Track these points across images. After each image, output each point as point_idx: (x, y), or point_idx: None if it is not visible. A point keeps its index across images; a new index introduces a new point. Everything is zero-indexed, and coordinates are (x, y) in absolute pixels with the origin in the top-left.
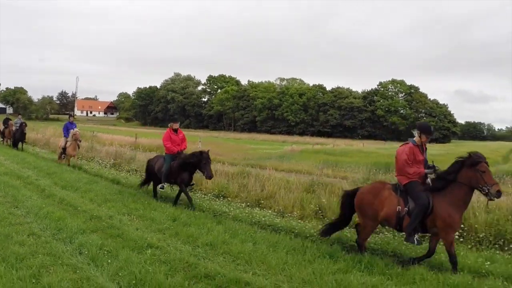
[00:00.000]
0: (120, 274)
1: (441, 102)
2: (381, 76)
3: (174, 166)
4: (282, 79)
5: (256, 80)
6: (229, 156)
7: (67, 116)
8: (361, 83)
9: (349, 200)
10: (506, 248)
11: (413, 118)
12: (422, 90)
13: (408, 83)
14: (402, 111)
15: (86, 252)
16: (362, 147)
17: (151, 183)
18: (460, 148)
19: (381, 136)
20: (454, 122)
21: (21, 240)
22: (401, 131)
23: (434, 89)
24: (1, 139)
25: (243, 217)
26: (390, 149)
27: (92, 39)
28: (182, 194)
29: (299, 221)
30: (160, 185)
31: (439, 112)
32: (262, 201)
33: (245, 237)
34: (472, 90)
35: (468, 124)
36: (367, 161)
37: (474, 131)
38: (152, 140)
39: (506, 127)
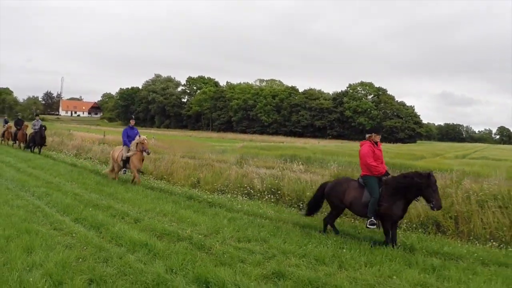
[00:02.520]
0: (51, 203)
1: (420, 104)
2: (362, 77)
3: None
4: (261, 80)
5: (236, 81)
6: (174, 149)
7: (54, 117)
8: (340, 84)
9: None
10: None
11: (379, 119)
12: (404, 92)
13: (387, 85)
14: (371, 112)
15: (35, 194)
16: (301, 144)
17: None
18: (414, 147)
19: (349, 136)
20: (419, 123)
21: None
22: (368, 131)
23: (418, 91)
24: (13, 142)
25: (146, 184)
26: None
27: (78, 39)
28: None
29: (182, 187)
30: (369, 222)
31: (406, 114)
32: (165, 176)
33: (139, 193)
34: (456, 93)
35: (447, 126)
36: (277, 153)
37: (453, 133)
38: (117, 137)
39: (485, 129)
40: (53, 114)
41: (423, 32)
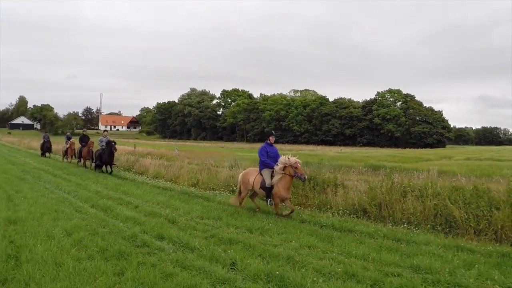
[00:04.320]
0: (76, 196)
1: (458, 108)
2: (396, 84)
3: None
4: (295, 91)
5: (270, 92)
6: (196, 158)
7: (94, 131)
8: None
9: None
10: None
11: (408, 125)
12: (441, 97)
13: (422, 91)
14: (399, 119)
15: (66, 191)
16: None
17: None
18: (432, 151)
19: (379, 143)
20: (447, 128)
21: (40, 189)
22: (397, 138)
23: (456, 95)
24: (77, 160)
25: (155, 184)
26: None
27: (116, 56)
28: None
29: (183, 187)
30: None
31: (434, 119)
32: (173, 178)
33: (147, 190)
34: (496, 95)
35: (484, 129)
36: None
37: (491, 136)
38: (145, 148)
39: None
40: (92, 129)
41: (456, 35)
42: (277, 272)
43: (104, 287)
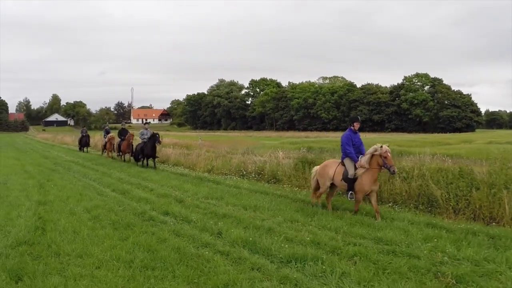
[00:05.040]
0: (101, 183)
1: (493, 91)
2: (428, 68)
3: None
4: (324, 78)
5: (299, 80)
6: (217, 147)
7: (126, 125)
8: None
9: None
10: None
11: (436, 110)
12: (475, 80)
13: (454, 74)
14: (427, 103)
15: (92, 178)
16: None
17: None
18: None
19: (407, 129)
20: (477, 112)
21: (69, 177)
22: (426, 123)
23: (490, 78)
24: (117, 154)
25: (173, 171)
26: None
27: (145, 51)
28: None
29: (198, 172)
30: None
31: (462, 103)
32: (191, 166)
33: (164, 176)
34: None
35: None
36: (297, 146)
37: None
38: (170, 139)
39: None
40: (126, 123)
41: (489, 16)
42: (251, 239)
43: (109, 248)
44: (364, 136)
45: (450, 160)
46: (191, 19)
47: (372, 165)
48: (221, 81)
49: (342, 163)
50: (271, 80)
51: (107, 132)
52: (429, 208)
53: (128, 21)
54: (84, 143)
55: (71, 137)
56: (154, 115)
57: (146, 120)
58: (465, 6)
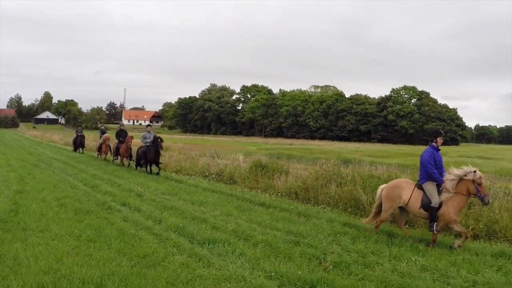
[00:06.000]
0: (76, 178)
1: (486, 106)
2: (420, 81)
3: None
4: (316, 87)
5: (290, 88)
6: (195, 150)
7: (117, 125)
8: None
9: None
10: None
11: (421, 122)
12: (469, 94)
13: (447, 87)
14: (413, 116)
15: (68, 174)
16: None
17: None
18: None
19: (392, 140)
20: (462, 126)
21: (49, 172)
22: (411, 134)
23: (483, 92)
24: (114, 157)
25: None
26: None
27: (139, 52)
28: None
29: (166, 172)
30: None
31: (447, 116)
32: (162, 166)
33: (135, 174)
34: None
35: (508, 128)
36: (268, 152)
37: None
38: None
39: None
40: (116, 123)
41: (482, 31)
42: (181, 225)
43: (66, 227)
44: (345, 145)
45: (386, 168)
46: (188, 23)
47: (459, 191)
48: (213, 85)
49: (419, 187)
50: (262, 87)
51: (103, 133)
52: (356, 211)
53: (127, 22)
54: (79, 143)
55: (59, 136)
56: (145, 116)
57: (149, 122)
58: (461, 20)
